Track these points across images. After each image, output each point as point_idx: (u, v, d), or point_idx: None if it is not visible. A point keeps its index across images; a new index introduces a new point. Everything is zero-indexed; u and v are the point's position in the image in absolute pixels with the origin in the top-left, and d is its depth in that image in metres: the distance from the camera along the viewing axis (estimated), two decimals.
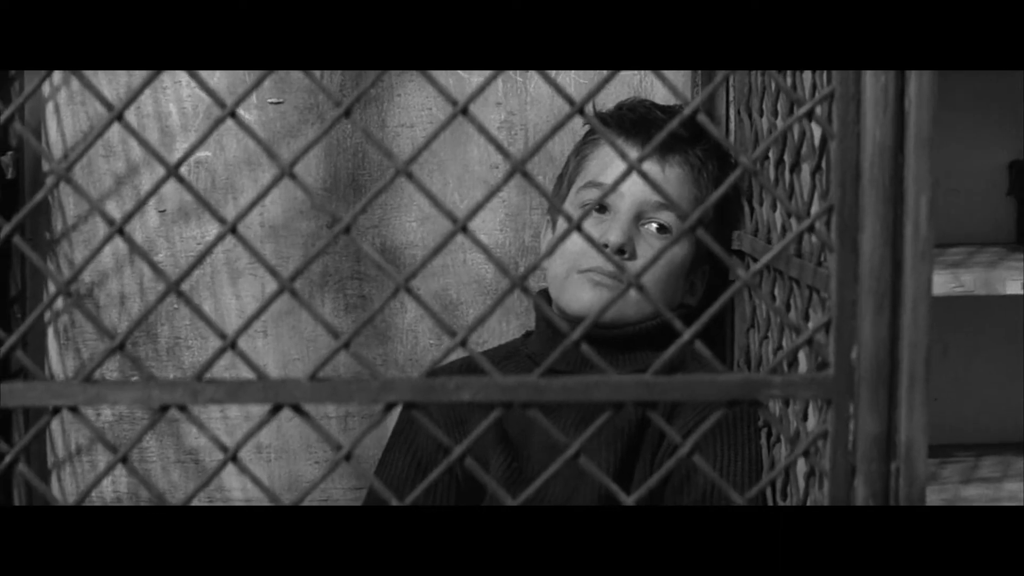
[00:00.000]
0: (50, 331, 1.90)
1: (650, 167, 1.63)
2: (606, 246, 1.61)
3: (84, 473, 1.92)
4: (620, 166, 1.63)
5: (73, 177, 1.01)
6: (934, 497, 1.52)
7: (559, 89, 0.99)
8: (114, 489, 1.91)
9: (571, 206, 1.67)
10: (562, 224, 1.68)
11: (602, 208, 1.65)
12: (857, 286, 1.00)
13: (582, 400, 1.01)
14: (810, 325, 1.29)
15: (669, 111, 1.71)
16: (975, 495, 1.56)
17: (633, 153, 1.62)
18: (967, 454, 1.76)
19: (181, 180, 1.01)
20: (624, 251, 1.63)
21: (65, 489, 1.94)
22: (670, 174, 1.65)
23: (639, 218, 1.64)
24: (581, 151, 1.72)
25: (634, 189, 1.61)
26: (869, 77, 0.98)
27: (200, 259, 1.02)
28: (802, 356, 1.44)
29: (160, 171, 1.87)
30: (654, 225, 1.64)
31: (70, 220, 1.90)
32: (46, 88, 1.89)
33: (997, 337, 1.90)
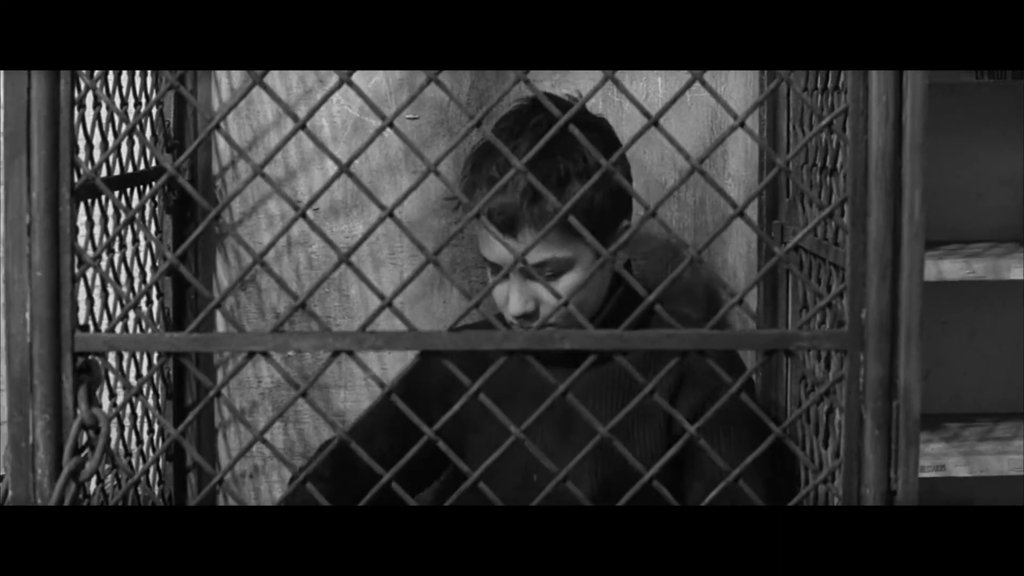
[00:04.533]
0: (218, 313, 2.02)
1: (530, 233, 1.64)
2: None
3: (245, 433, 2.08)
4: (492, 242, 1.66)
5: (266, 173, 1.21)
6: (953, 450, 1.68)
7: (636, 102, 1.15)
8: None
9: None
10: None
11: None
12: (866, 261, 1.15)
13: (652, 348, 1.19)
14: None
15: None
16: (987, 449, 1.70)
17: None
18: (987, 420, 1.89)
19: (351, 175, 1.17)
20: (528, 315, 1.66)
21: (229, 446, 2.11)
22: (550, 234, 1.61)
23: (529, 276, 1.66)
24: (465, 185, 1.75)
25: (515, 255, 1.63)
26: (874, 96, 1.14)
27: (365, 236, 1.18)
28: None
29: (313, 176, 2.06)
30: (547, 273, 1.67)
31: (236, 217, 2.08)
32: (215, 100, 2.03)
33: (1018, 321, 2.02)
